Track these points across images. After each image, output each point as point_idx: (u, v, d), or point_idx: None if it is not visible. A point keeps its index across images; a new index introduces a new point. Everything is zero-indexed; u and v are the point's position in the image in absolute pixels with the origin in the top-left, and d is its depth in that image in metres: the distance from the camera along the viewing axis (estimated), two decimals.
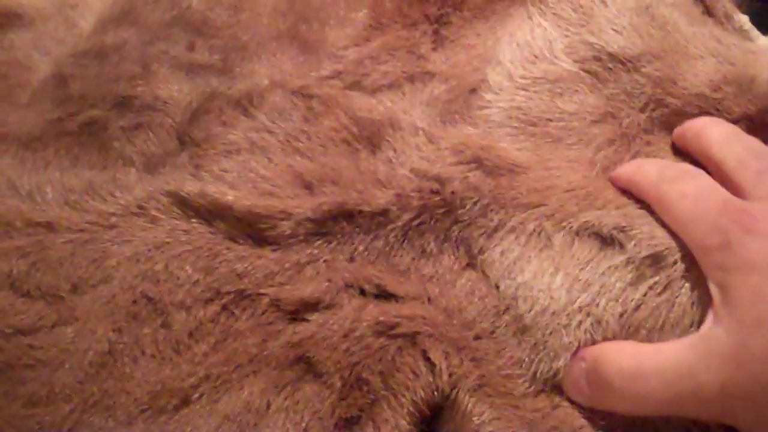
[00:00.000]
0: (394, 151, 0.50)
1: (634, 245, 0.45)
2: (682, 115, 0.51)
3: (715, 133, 0.47)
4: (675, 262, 0.45)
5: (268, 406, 0.44)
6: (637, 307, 0.45)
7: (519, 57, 0.55)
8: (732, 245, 0.40)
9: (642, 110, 0.51)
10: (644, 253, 0.45)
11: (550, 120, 0.52)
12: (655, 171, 0.46)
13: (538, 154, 0.50)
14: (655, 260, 0.45)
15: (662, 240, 0.45)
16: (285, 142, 0.52)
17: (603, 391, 0.42)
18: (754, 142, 0.47)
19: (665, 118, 0.51)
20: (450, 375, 0.44)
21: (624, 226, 0.46)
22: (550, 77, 0.54)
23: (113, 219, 0.49)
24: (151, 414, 0.44)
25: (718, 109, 0.50)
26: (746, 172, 0.44)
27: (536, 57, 0.55)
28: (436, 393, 0.44)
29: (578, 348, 0.45)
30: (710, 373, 0.39)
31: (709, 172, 0.47)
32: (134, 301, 0.47)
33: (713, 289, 0.41)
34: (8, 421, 0.43)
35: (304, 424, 0.44)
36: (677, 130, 0.50)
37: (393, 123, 0.51)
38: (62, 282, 0.47)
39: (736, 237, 0.40)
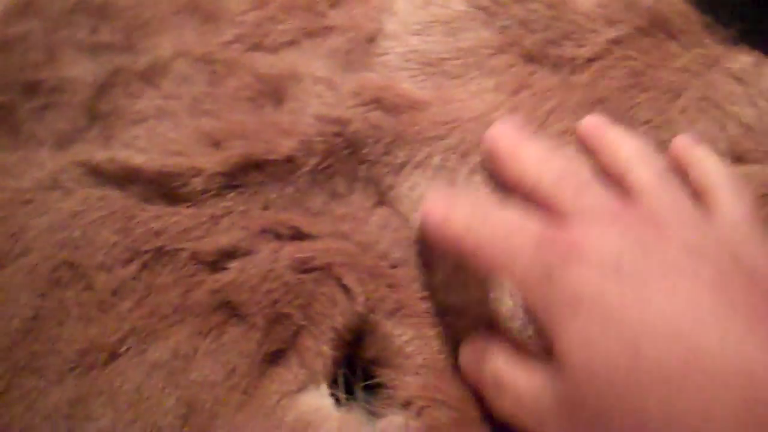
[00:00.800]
0: (297, 101, 0.52)
1: None
2: (582, 31, 0.52)
3: (528, 155, 0.44)
4: None
5: (195, 351, 0.45)
6: None
7: (411, 4, 0.57)
8: (553, 278, 0.36)
9: (544, 30, 0.53)
10: None
11: (447, 59, 0.54)
12: (461, 219, 0.42)
13: (439, 92, 0.52)
14: None
15: None
16: (191, 106, 0.53)
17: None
18: (569, 159, 0.44)
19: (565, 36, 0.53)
20: (366, 299, 0.46)
21: None
22: (442, 18, 0.56)
23: (28, 195, 0.50)
24: (81, 371, 0.45)
25: (611, 21, 0.53)
26: (564, 191, 0.40)
27: (427, 2, 0.57)
28: (354, 318, 0.46)
29: None
30: (549, 414, 0.37)
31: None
32: (55, 268, 0.47)
33: (544, 330, 0.37)
34: None
35: (231, 365, 0.45)
36: (489, 157, 0.47)
37: (294, 76, 0.53)
38: None
39: (557, 269, 0.36)
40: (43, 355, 0.45)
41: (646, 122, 0.50)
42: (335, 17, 0.57)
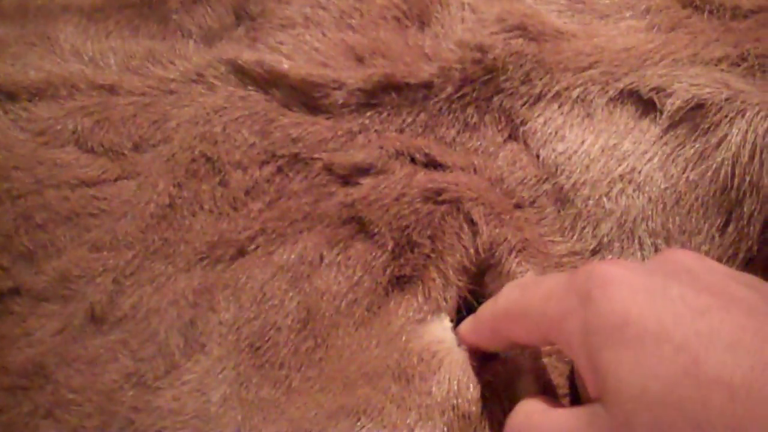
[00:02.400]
0: (442, 26, 0.52)
1: (671, 104, 0.46)
2: None
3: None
4: (716, 111, 0.46)
5: (321, 259, 0.46)
6: (677, 182, 0.46)
7: None
8: (593, 299, 0.35)
9: None
10: (681, 113, 0.46)
11: None
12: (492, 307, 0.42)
13: (586, 27, 0.52)
14: (693, 118, 0.46)
15: (697, 92, 0.46)
16: (338, 18, 0.53)
17: None
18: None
19: None
20: (491, 236, 0.46)
21: (663, 88, 0.47)
22: None
23: (173, 85, 0.51)
24: (209, 262, 0.46)
25: None
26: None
27: None
28: (479, 252, 0.46)
29: (621, 215, 0.46)
30: None
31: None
32: (193, 160, 0.49)
33: (581, 361, 0.36)
34: (75, 263, 0.46)
35: (356, 278, 0.46)
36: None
37: (441, 0, 0.53)
38: (124, 140, 0.49)
39: (597, 290, 0.35)
40: (175, 242, 0.47)
41: None
42: None
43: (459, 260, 0.46)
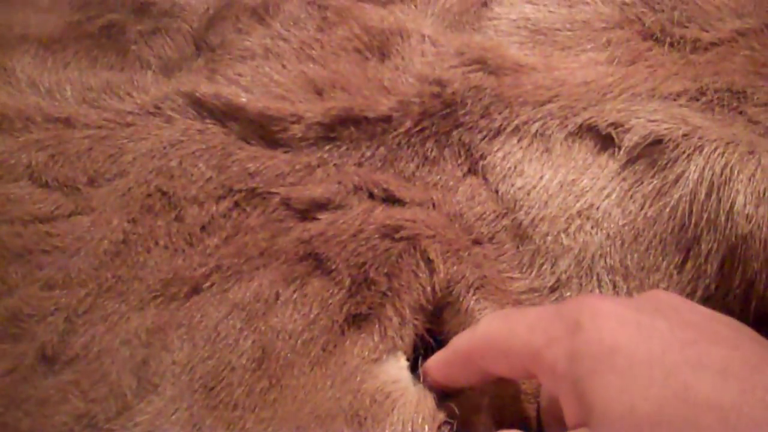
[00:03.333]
0: (402, 58, 0.52)
1: (629, 140, 0.46)
2: (708, 17, 0.51)
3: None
4: (674, 147, 0.46)
5: (277, 297, 0.46)
6: (635, 218, 0.46)
7: None
8: (582, 328, 0.35)
9: (672, 10, 0.52)
10: (639, 149, 0.46)
11: (559, 30, 0.53)
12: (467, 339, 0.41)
13: (546, 59, 0.51)
14: (651, 154, 0.46)
15: (654, 128, 0.46)
16: (299, 50, 0.53)
17: None
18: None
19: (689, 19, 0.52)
20: (447, 273, 0.46)
21: (621, 123, 0.47)
22: None
23: (129, 117, 0.51)
24: (163, 300, 0.46)
25: (740, 13, 0.51)
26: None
27: None
28: (436, 291, 0.46)
29: (579, 251, 0.46)
30: None
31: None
32: (149, 195, 0.48)
33: (564, 389, 0.35)
34: (26, 302, 0.45)
35: (312, 316, 0.45)
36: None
37: (402, 32, 0.53)
38: (79, 174, 0.49)
39: (586, 320, 0.35)
40: (128, 280, 0.46)
41: (764, 105, 0.49)
42: None
43: (416, 298, 0.45)
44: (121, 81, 0.52)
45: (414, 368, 0.45)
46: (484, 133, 0.49)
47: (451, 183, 0.49)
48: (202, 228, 0.47)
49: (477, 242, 0.47)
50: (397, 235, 0.46)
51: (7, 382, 0.44)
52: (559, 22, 0.53)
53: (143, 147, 0.49)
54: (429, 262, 0.46)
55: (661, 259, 0.45)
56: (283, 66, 0.52)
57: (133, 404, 0.43)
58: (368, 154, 0.49)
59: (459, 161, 0.49)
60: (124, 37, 0.54)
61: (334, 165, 0.49)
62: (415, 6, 0.55)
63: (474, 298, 0.46)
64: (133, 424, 0.43)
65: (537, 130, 0.48)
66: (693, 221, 0.45)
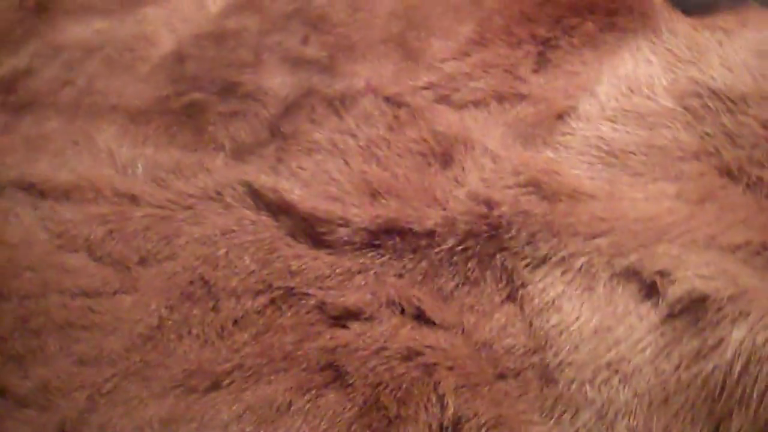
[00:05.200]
0: (462, 169, 0.51)
1: (673, 292, 0.43)
2: None
3: None
4: (717, 309, 0.42)
5: (290, 405, 0.46)
6: (668, 379, 0.43)
7: (615, 89, 0.54)
8: None
9: (752, 148, 0.48)
10: (682, 304, 0.43)
11: (633, 153, 0.51)
12: None
13: (611, 185, 0.49)
14: (695, 311, 0.43)
15: (700, 285, 0.43)
16: (365, 148, 0.53)
17: None
18: None
19: None
20: (458, 410, 0.44)
21: (668, 272, 0.44)
22: (642, 111, 0.52)
23: (191, 200, 0.52)
24: (183, 391, 0.47)
25: None
26: None
27: (632, 90, 0.53)
28: (443, 427, 0.44)
29: (602, 406, 0.43)
30: None
31: None
32: (191, 282, 0.49)
33: None
34: (57, 375, 0.47)
35: (320, 430, 0.45)
36: None
37: (466, 141, 0.52)
38: (132, 253, 0.51)
39: None
40: (155, 366, 0.47)
41: None
42: (533, 84, 0.55)
43: (421, 430, 0.44)
44: (191, 162, 0.54)
45: None
46: (528, 260, 0.47)
47: (488, 308, 0.47)
48: (235, 322, 0.48)
49: (501, 376, 0.46)
50: (415, 361, 0.45)
51: None
52: (634, 145, 0.51)
53: (197, 232, 0.51)
54: (440, 398, 0.44)
55: (689, 428, 0.42)
56: (346, 163, 0.52)
57: None
58: (410, 266, 0.48)
59: (499, 286, 0.48)
60: (203, 117, 0.56)
61: (374, 273, 0.49)
62: (489, 113, 0.53)
63: None
64: None
65: (582, 266, 0.46)
66: (726, 394, 0.41)
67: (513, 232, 0.48)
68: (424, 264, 0.49)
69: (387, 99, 0.55)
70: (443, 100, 0.55)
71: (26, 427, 0.47)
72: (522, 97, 0.54)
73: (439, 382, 0.45)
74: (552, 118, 0.53)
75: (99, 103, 0.58)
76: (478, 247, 0.48)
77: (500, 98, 0.54)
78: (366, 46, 0.59)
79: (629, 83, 0.53)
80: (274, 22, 0.61)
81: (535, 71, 0.55)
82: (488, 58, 0.55)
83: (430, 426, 0.44)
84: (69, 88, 0.60)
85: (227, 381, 0.47)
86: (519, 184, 0.48)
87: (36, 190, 0.54)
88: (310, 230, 0.50)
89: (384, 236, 0.49)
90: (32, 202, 0.53)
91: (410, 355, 0.46)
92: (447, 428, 0.45)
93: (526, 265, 0.47)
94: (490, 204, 0.48)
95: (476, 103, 0.54)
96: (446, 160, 0.51)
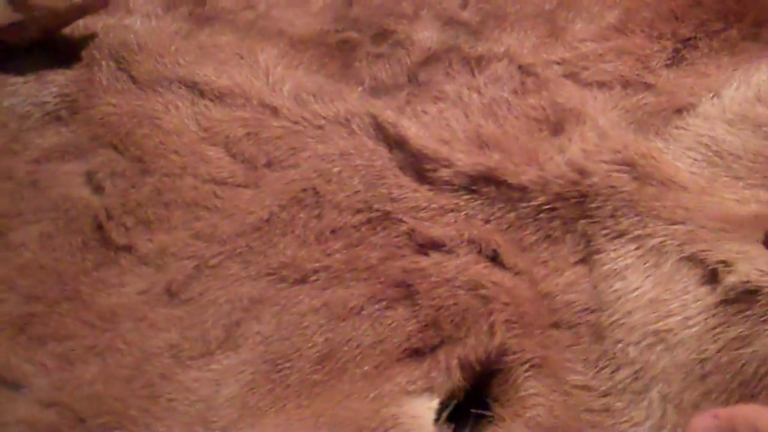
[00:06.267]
0: (569, 140, 0.54)
1: (729, 281, 0.45)
2: None
3: None
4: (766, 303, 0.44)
5: (361, 309, 0.51)
6: (709, 358, 0.45)
7: (742, 95, 0.56)
8: None
9: None
10: (736, 291, 0.45)
11: (740, 158, 0.52)
12: None
13: (707, 182, 0.51)
14: (747, 301, 0.45)
15: (756, 278, 0.45)
16: (487, 105, 0.57)
17: None
18: None
19: None
20: (504, 342, 0.48)
21: (730, 263, 0.46)
22: (762, 121, 0.53)
23: (322, 121, 0.58)
24: (274, 279, 0.53)
25: None
26: None
27: (759, 100, 0.55)
28: (489, 355, 0.48)
29: (641, 368, 0.46)
30: None
31: None
32: (304, 189, 0.55)
33: None
34: (175, 243, 0.54)
35: (382, 336, 0.50)
36: None
37: (581, 116, 0.55)
38: (262, 155, 0.57)
39: None
40: (256, 253, 0.54)
41: None
42: (661, 77, 0.57)
43: (467, 354, 0.48)
44: (331, 90, 0.60)
45: (441, 415, 0.48)
46: (608, 231, 0.50)
47: (561, 265, 0.51)
48: (333, 231, 0.54)
49: (555, 325, 0.49)
50: (477, 292, 0.49)
51: (137, 300, 0.53)
52: (743, 150, 0.52)
53: (321, 149, 0.56)
54: (491, 326, 0.48)
55: (718, 407, 0.44)
56: (465, 115, 0.57)
57: (214, 353, 0.51)
58: (498, 214, 0.52)
59: (576, 248, 0.51)
60: (353, 54, 0.62)
61: (465, 214, 0.53)
62: (610, 95, 0.56)
63: (527, 374, 0.48)
64: (207, 368, 0.50)
65: (655, 245, 0.48)
66: (757, 382, 0.43)
67: (599, 202, 0.51)
68: (511, 215, 0.52)
69: (520, 67, 0.59)
70: (571, 76, 0.58)
71: (141, 281, 0.54)
72: (647, 87, 0.57)
73: (492, 314, 0.49)
74: (670, 111, 0.55)
75: (270, 27, 0.65)
76: (564, 210, 0.51)
77: (625, 84, 0.57)
78: (517, 18, 0.63)
79: (758, 92, 0.55)
80: None
81: (667, 66, 0.58)
82: (625, 45, 0.58)
83: (475, 349, 0.48)
84: (249, 11, 0.67)
85: (313, 278, 0.53)
86: (615, 161, 0.51)
87: (197, 89, 0.61)
88: (417, 166, 0.55)
89: (482, 183, 0.53)
90: (192, 99, 0.61)
91: (474, 286, 0.50)
92: (491, 355, 0.48)
93: (605, 235, 0.50)
94: (583, 172, 0.51)
95: (600, 84, 0.57)
96: (557, 128, 0.55)
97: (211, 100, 0.61)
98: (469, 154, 0.54)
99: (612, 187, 0.50)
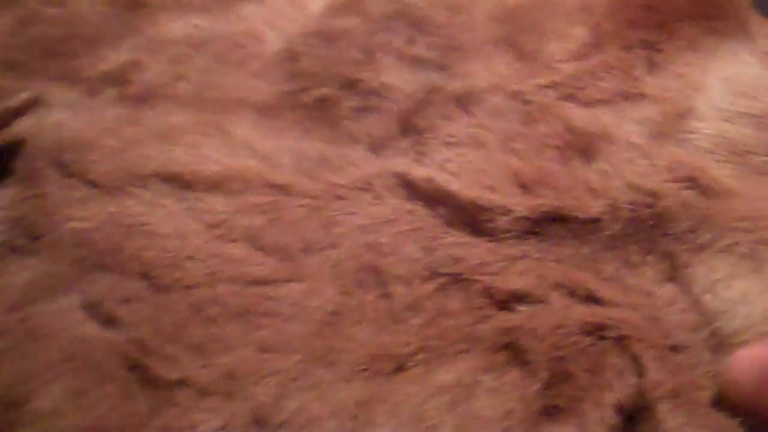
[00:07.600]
0: (610, 164, 0.53)
1: None
2: None
3: None
4: None
5: (477, 384, 0.48)
6: None
7: (726, 90, 0.58)
8: None
9: None
10: None
11: (755, 153, 0.55)
12: None
13: (743, 184, 0.53)
14: None
15: None
16: (502, 142, 0.55)
17: None
18: None
19: None
20: (655, 377, 0.47)
21: None
22: (755, 112, 0.56)
23: (342, 191, 0.53)
24: (370, 374, 0.48)
25: None
26: None
27: (741, 93, 0.58)
28: (642, 393, 0.47)
29: None
30: None
31: None
32: (359, 269, 0.51)
33: None
34: (243, 362, 0.48)
35: (509, 407, 0.47)
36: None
37: (608, 136, 0.55)
38: (294, 242, 0.51)
39: None
40: (338, 351, 0.48)
41: None
42: (650, 85, 0.58)
43: (617, 398, 0.46)
44: (334, 154, 0.55)
45: None
46: (689, 246, 0.50)
47: (651, 287, 0.50)
48: (408, 307, 0.50)
49: (674, 349, 0.49)
50: (601, 333, 0.48)
51: None
52: (754, 144, 0.55)
53: (354, 221, 0.52)
54: (637, 363, 0.47)
55: None
56: (487, 156, 0.54)
57: None
58: (570, 252, 0.51)
59: (660, 268, 0.51)
60: (335, 112, 0.57)
61: (535, 258, 0.51)
62: (618, 110, 0.57)
63: (668, 406, 0.47)
64: None
65: (746, 252, 0.49)
66: None
67: (675, 221, 0.51)
68: (585, 249, 0.51)
69: (513, 96, 0.58)
70: (569, 98, 0.57)
71: (215, 417, 0.47)
72: (643, 97, 0.58)
73: (633, 350, 0.47)
74: (674, 117, 0.57)
75: (222, 97, 0.59)
76: (642, 233, 0.51)
77: (626, 97, 0.57)
78: (474, 47, 0.61)
79: (737, 85, 0.58)
80: (378, 23, 0.63)
81: (649, 73, 0.59)
82: (606, 60, 0.59)
83: (627, 392, 0.47)
84: (184, 82, 0.60)
85: (412, 363, 0.49)
86: (677, 179, 0.52)
87: (181, 181, 0.54)
88: (468, 219, 0.52)
89: (545, 223, 0.52)
90: (178, 194, 0.53)
91: (592, 329, 0.48)
92: (645, 394, 0.47)
93: (688, 250, 0.51)
94: (655, 195, 0.51)
95: (604, 102, 0.57)
96: (587, 154, 0.54)
97: (205, 191, 0.53)
98: (521, 196, 0.52)
99: (686, 204, 0.50)
